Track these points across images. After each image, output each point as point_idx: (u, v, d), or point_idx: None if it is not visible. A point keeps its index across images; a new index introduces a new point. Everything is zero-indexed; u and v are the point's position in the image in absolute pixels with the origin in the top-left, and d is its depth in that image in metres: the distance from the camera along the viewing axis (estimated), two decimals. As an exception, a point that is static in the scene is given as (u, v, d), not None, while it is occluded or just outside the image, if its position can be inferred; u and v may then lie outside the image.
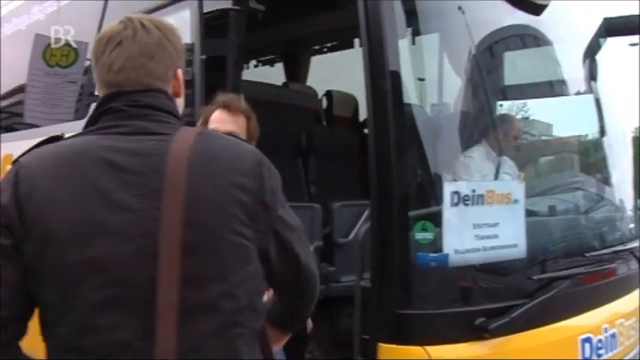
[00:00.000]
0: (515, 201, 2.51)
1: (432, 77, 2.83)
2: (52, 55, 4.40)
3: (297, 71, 5.71)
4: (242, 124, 2.45)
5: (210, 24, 2.92)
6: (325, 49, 6.06)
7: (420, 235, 2.34)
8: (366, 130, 4.97)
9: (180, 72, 1.43)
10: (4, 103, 5.55)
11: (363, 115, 5.16)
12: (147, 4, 3.31)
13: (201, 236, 1.23)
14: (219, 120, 2.43)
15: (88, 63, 4.11)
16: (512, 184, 2.62)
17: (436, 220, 2.34)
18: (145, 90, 1.34)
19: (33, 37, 4.84)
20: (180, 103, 1.46)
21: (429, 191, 2.57)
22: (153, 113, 1.33)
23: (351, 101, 5.24)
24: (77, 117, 4.03)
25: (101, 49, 1.36)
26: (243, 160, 1.35)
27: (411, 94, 2.53)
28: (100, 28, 3.89)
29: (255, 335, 1.35)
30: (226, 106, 2.46)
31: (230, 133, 2.35)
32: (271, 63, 6.43)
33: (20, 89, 5.24)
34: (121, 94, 1.33)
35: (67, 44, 4.29)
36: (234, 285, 1.27)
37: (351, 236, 3.67)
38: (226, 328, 1.25)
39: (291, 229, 1.43)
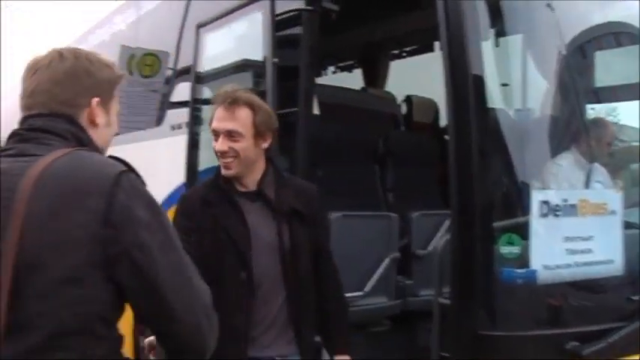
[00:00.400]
0: (612, 212, 2.31)
1: (517, 81, 2.67)
2: (137, 65, 4.50)
3: (375, 76, 5.58)
4: (244, 119, 2.19)
5: (283, 26, 2.86)
6: (404, 54, 5.90)
7: (505, 249, 2.18)
8: (447, 137, 4.83)
9: (95, 101, 1.47)
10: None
11: (443, 121, 5.02)
12: (224, 4, 3.30)
13: (30, 256, 1.25)
14: (217, 118, 2.22)
15: (169, 72, 4.16)
16: (609, 194, 2.42)
17: (523, 232, 2.18)
18: (39, 114, 1.43)
19: (115, 47, 4.97)
20: (100, 133, 1.50)
21: (514, 201, 2.42)
22: (40, 136, 1.40)
23: (432, 107, 5.06)
24: (157, 124, 4.09)
25: (24, 76, 1.49)
26: (98, 180, 1.32)
27: (494, 98, 2.40)
28: (181, 33, 3.92)
29: None
30: (222, 102, 2.21)
31: (230, 132, 2.16)
32: (349, 69, 6.33)
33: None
34: (26, 119, 1.45)
35: (152, 54, 4.36)
36: (57, 306, 1.26)
37: (430, 248, 3.52)
38: (45, 349, 1.25)
39: (151, 258, 1.30)
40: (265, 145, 2.25)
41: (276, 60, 2.84)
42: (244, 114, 2.19)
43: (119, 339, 1.40)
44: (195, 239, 2.15)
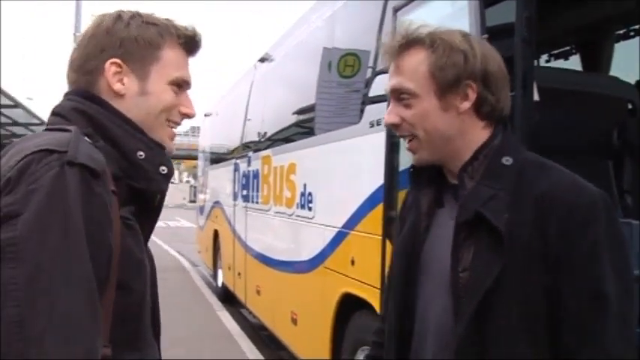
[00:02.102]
0: None
1: None
2: (339, 67, 4.44)
3: (597, 61, 4.95)
4: (414, 66, 1.33)
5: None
6: (632, 33, 5.14)
7: None
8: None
9: (110, 62, 1.21)
10: (289, 116, 5.73)
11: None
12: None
13: None
14: (389, 76, 1.42)
15: (369, 72, 3.95)
16: None
17: None
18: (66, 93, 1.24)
19: (312, 46, 4.88)
20: (130, 104, 1.22)
21: None
22: (51, 121, 1.20)
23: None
24: (358, 121, 3.89)
25: None
26: (8, 165, 1.02)
27: None
28: (381, 23, 3.67)
29: None
30: (392, 52, 1.37)
31: (397, 93, 1.37)
32: (565, 56, 5.69)
33: (298, 101, 5.35)
34: None
35: (353, 54, 4.26)
36: None
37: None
38: None
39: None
40: (465, 104, 1.34)
41: (485, 36, 2.44)
42: (415, 59, 1.33)
43: None
44: None
